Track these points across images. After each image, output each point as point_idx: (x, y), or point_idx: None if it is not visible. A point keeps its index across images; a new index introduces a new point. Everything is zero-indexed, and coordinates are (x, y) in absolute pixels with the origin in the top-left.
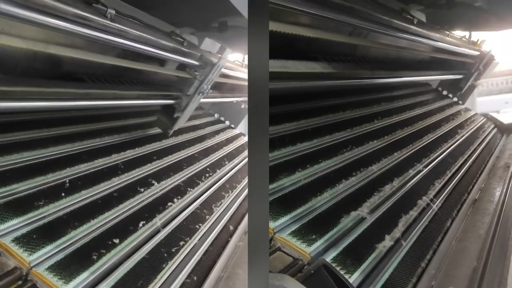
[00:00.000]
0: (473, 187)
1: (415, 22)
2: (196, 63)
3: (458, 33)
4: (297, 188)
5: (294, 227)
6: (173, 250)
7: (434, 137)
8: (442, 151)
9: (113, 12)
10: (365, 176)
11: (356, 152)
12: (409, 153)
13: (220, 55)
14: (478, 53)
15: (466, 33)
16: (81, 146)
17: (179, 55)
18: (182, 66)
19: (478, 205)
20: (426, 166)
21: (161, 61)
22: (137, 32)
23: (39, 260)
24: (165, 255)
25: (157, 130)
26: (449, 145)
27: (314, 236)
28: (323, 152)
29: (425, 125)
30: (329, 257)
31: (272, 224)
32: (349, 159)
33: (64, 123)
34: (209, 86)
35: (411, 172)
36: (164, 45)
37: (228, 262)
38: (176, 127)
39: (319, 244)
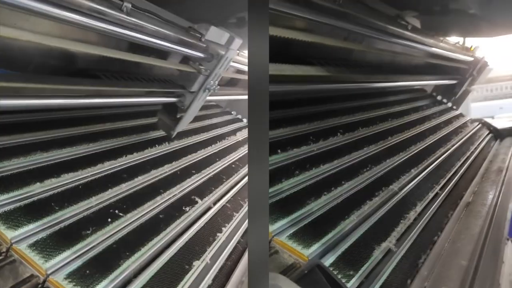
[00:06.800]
0: (466, 190)
1: (409, 28)
2: (200, 55)
3: (452, 39)
4: (325, 212)
5: (332, 259)
6: None
7: (447, 152)
8: (455, 171)
9: (129, 6)
10: (386, 196)
11: (376, 170)
12: (425, 170)
13: (228, 46)
14: (472, 59)
15: (460, 39)
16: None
17: (181, 46)
18: (185, 59)
19: (472, 208)
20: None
21: (163, 54)
22: (154, 27)
23: None
24: None
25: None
26: (460, 163)
27: (351, 272)
28: (343, 174)
29: (435, 140)
30: None
31: (306, 252)
32: (369, 179)
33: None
34: (216, 82)
35: (430, 195)
36: (168, 36)
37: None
38: (179, 129)
39: (355, 280)
